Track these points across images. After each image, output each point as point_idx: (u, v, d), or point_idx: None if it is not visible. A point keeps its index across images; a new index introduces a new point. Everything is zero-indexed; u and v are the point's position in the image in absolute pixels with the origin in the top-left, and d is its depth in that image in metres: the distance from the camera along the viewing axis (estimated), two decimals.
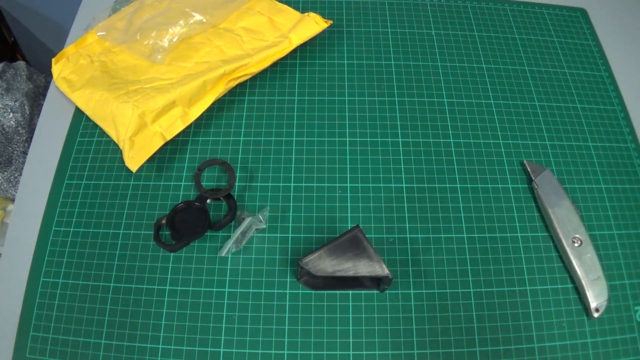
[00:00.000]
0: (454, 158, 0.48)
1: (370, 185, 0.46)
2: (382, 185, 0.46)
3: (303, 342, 0.39)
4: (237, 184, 0.46)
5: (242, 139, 0.48)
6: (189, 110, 0.47)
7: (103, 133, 0.48)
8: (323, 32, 0.52)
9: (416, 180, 0.47)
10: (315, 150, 0.48)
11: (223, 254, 0.41)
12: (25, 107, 0.77)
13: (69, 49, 0.52)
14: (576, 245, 0.43)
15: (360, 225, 0.43)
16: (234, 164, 0.47)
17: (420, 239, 0.44)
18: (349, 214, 0.45)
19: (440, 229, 0.44)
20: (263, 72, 0.52)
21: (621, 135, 0.52)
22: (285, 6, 0.54)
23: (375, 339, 0.39)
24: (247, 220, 0.41)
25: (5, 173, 0.75)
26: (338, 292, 0.41)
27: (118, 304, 0.40)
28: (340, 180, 0.46)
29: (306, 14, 0.52)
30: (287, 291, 0.41)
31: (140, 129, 0.45)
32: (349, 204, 0.45)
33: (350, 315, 0.40)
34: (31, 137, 0.52)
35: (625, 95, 0.54)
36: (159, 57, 0.49)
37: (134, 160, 0.44)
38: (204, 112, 0.48)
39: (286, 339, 0.39)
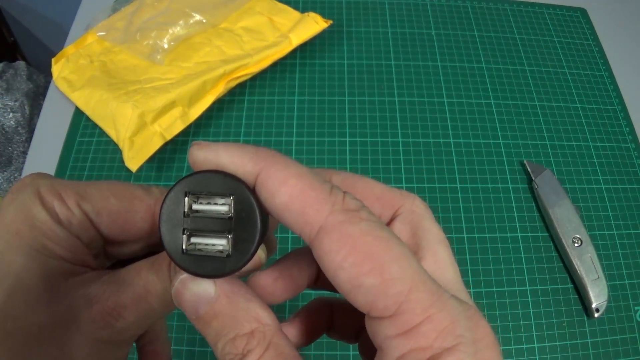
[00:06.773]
0: (454, 158, 0.48)
1: None
2: None
3: None
4: None
5: (242, 139, 0.48)
6: (189, 110, 0.47)
7: (103, 133, 0.48)
8: (323, 32, 0.52)
9: (416, 180, 0.47)
10: (315, 151, 0.48)
11: None
12: (25, 107, 0.77)
13: (68, 49, 0.52)
14: (576, 245, 0.43)
15: None
16: None
17: None
18: None
19: None
20: (263, 72, 0.52)
21: (621, 135, 0.51)
22: (285, 6, 0.54)
23: None
24: None
25: (5, 173, 0.75)
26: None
27: None
28: None
29: (306, 13, 0.52)
30: None
31: (140, 129, 0.45)
32: None
33: None
34: (31, 137, 0.52)
35: (625, 95, 0.54)
36: (158, 57, 0.49)
37: (133, 160, 0.44)
38: (204, 112, 0.48)
39: None
